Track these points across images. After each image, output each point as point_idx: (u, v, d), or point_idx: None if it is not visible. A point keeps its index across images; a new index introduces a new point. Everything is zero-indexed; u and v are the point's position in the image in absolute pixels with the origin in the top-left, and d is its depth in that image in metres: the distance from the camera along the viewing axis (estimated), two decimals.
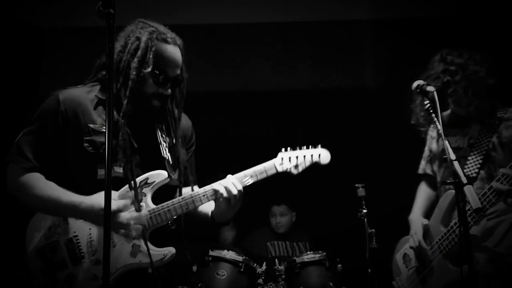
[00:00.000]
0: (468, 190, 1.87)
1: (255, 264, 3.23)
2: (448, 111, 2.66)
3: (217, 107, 4.90)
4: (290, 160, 2.16)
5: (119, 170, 1.99)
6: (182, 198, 2.08)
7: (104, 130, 1.95)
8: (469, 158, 2.51)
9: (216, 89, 4.94)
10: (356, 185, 3.59)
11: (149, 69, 1.99)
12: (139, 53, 1.99)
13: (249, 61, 5.00)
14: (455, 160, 1.97)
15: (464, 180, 1.89)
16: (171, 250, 2.00)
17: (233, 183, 2.09)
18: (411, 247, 2.66)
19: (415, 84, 2.31)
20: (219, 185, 2.09)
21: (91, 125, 2.00)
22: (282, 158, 2.18)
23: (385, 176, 4.63)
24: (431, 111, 2.19)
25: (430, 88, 2.22)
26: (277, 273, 3.27)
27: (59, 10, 4.67)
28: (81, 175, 1.99)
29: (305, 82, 4.97)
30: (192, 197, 2.07)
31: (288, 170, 2.17)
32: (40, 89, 4.80)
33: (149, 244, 1.98)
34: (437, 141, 2.76)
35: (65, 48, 5.00)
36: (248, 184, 2.12)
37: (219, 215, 2.17)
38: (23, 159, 1.97)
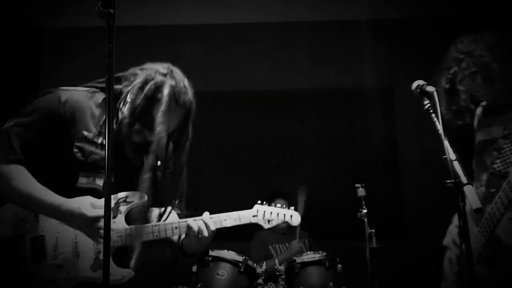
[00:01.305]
0: (468, 190, 1.86)
1: (255, 264, 3.23)
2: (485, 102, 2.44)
3: (217, 107, 4.91)
4: (264, 215, 2.28)
5: (100, 182, 1.98)
6: (155, 225, 2.10)
7: (96, 141, 1.99)
8: (502, 151, 2.30)
9: (216, 89, 4.95)
10: (356, 185, 3.58)
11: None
12: (163, 107, 1.98)
13: (249, 61, 5.00)
14: (455, 160, 1.96)
15: (464, 180, 1.88)
16: (130, 271, 2.01)
17: (207, 224, 2.13)
18: (445, 245, 2.51)
19: (414, 84, 2.28)
20: (194, 223, 2.13)
21: (85, 133, 1.99)
22: (257, 211, 2.29)
23: (385, 176, 4.63)
24: (431, 111, 2.18)
25: (430, 88, 2.20)
26: (277, 273, 3.26)
27: (59, 10, 4.67)
28: (62, 177, 1.97)
29: (305, 82, 4.97)
30: (165, 226, 2.11)
31: (260, 223, 2.29)
32: (40, 89, 4.79)
33: (112, 262, 1.96)
34: (478, 132, 2.51)
35: (65, 48, 5.00)
36: (220, 227, 2.19)
37: (188, 247, 2.21)
38: (10, 150, 1.93)
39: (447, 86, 2.39)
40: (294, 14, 4.91)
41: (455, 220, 2.47)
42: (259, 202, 2.32)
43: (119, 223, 2.03)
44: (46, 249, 1.93)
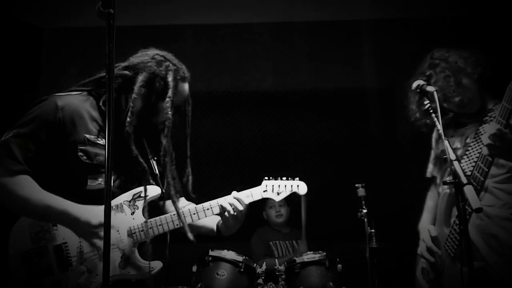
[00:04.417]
0: (468, 190, 1.87)
1: (255, 264, 3.23)
2: (449, 115, 2.64)
3: (217, 107, 4.91)
4: (273, 189, 2.39)
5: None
6: (188, 210, 2.17)
7: (99, 142, 2.01)
8: (464, 156, 2.49)
9: (216, 89, 4.95)
10: (356, 185, 3.58)
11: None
12: (169, 93, 2.07)
13: (249, 61, 5.00)
14: (455, 160, 1.97)
15: (464, 180, 1.89)
16: (159, 263, 2.05)
17: (238, 199, 2.23)
18: (420, 255, 2.63)
19: (415, 84, 2.31)
20: (225, 202, 2.22)
21: (87, 136, 2.00)
22: (266, 186, 2.39)
23: (385, 176, 4.63)
24: (431, 111, 2.20)
25: (430, 88, 2.22)
26: (277, 273, 3.26)
27: (59, 10, 4.67)
28: (70, 183, 1.98)
29: (305, 82, 4.97)
30: (196, 209, 2.19)
31: (271, 197, 2.39)
32: (40, 89, 4.80)
33: (138, 256, 2.02)
34: (437, 142, 2.76)
35: (65, 48, 5.00)
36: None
37: (226, 230, 2.29)
38: (13, 161, 1.92)
39: None
40: (294, 14, 4.90)
41: (426, 227, 2.64)
42: (266, 177, 2.42)
43: (137, 218, 2.06)
44: (71, 255, 1.94)
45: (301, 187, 2.43)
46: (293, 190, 2.41)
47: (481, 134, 2.43)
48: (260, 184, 2.39)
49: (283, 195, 2.40)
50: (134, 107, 2.03)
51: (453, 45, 2.60)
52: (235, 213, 2.20)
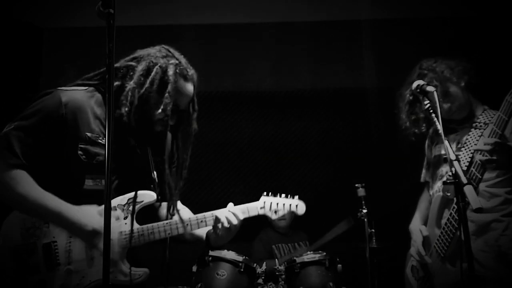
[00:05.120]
0: (468, 190, 1.87)
1: (255, 264, 3.23)
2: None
3: (217, 107, 4.91)
4: (271, 206, 2.32)
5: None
6: (181, 220, 2.12)
7: (100, 141, 1.97)
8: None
9: (216, 89, 4.95)
10: (356, 185, 3.58)
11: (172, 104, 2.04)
12: (169, 87, 2.00)
13: (249, 61, 5.00)
14: (455, 160, 1.97)
15: (464, 180, 1.89)
16: (146, 270, 2.03)
17: (234, 213, 2.17)
18: (412, 256, 2.71)
19: (414, 84, 2.33)
20: (221, 214, 2.17)
21: (89, 134, 1.97)
22: (264, 202, 2.33)
23: (385, 176, 4.63)
24: (431, 111, 2.20)
25: (430, 88, 2.23)
26: (277, 273, 3.26)
27: (59, 10, 4.67)
28: (67, 181, 1.96)
29: (305, 82, 4.97)
30: (190, 221, 2.14)
31: (268, 214, 2.33)
32: (40, 89, 4.79)
33: (126, 262, 1.99)
34: (430, 149, 2.82)
35: (65, 48, 5.00)
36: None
37: (217, 241, 2.24)
38: (11, 155, 1.89)
39: (410, 98, 2.69)
40: (294, 14, 4.90)
41: (417, 228, 2.72)
42: (265, 193, 2.36)
43: (129, 223, 2.03)
44: (59, 255, 1.91)
45: (299, 207, 2.38)
46: (292, 210, 2.36)
47: (473, 141, 2.51)
48: (258, 199, 2.34)
49: (280, 214, 2.34)
50: (133, 97, 1.98)
51: (440, 55, 2.69)
52: (229, 226, 2.16)
